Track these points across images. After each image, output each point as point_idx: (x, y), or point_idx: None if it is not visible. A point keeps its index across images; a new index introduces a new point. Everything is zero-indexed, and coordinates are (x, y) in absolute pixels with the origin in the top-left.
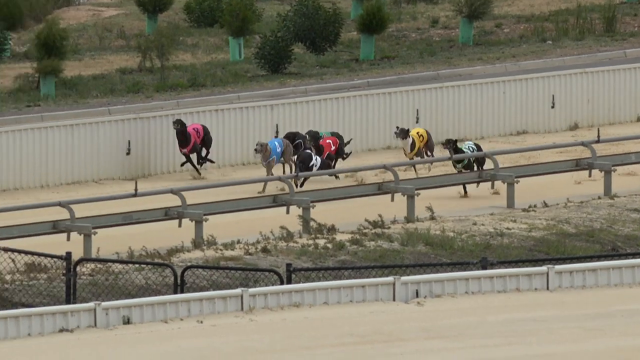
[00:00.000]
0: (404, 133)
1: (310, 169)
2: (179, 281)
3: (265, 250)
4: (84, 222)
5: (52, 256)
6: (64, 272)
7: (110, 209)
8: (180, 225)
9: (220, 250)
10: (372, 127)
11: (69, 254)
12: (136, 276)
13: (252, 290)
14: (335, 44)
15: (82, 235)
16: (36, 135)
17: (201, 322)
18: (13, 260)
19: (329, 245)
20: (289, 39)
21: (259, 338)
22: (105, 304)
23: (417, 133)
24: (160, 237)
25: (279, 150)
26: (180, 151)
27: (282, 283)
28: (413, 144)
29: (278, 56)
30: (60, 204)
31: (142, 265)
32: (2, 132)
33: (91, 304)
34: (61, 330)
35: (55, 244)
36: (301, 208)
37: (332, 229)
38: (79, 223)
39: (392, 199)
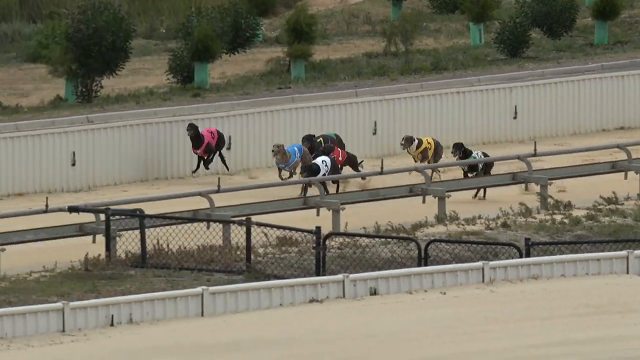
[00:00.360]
0: (409, 141)
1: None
2: (423, 254)
3: (505, 225)
4: (332, 198)
5: (302, 230)
6: (314, 245)
7: (357, 186)
8: (424, 202)
9: (462, 225)
10: (605, 108)
11: (318, 228)
12: (382, 249)
13: (492, 263)
14: (571, 29)
15: (331, 210)
16: (287, 116)
17: (444, 293)
18: (266, 235)
19: (566, 221)
20: (526, 24)
21: (499, 309)
22: (353, 276)
23: (426, 141)
24: (405, 213)
25: (298, 155)
26: (194, 152)
27: (521, 256)
28: (420, 144)
29: (516, 41)
30: (309, 183)
31: (388, 239)
32: (255, 112)
33: (340, 276)
34: (311, 301)
35: (305, 219)
36: (539, 185)
37: (568, 205)
38: (328, 199)
39: (626, 177)
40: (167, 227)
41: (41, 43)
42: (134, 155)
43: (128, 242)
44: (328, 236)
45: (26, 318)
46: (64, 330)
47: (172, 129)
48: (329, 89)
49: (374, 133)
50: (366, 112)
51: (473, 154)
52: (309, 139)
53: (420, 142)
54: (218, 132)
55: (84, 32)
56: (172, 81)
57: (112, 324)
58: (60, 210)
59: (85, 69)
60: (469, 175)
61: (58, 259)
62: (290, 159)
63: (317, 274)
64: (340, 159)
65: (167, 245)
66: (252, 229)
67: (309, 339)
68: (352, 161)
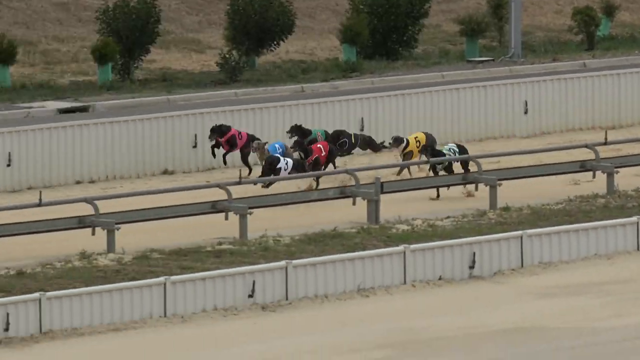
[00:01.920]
0: (398, 142)
1: (277, 171)
2: None
3: None
4: (240, 202)
5: None
6: None
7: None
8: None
9: None
10: None
11: None
12: None
13: None
14: None
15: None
16: None
17: None
18: None
19: None
20: None
21: None
22: None
23: (415, 138)
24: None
25: (279, 152)
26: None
27: None
28: (406, 146)
29: None
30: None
31: None
32: None
33: None
34: None
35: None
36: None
37: None
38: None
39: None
40: None
41: None
42: None
43: None
44: None
45: None
46: None
47: None
48: None
49: None
50: None
51: (445, 150)
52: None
53: (407, 142)
54: (248, 135)
55: None
56: None
57: None
58: None
59: None
60: (440, 174)
61: None
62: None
63: None
64: (323, 154)
65: None
66: None
67: None
68: (333, 156)
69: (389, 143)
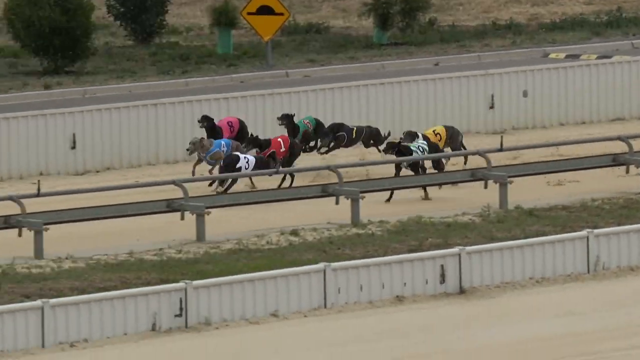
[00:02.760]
0: (409, 137)
1: (237, 171)
2: None
3: None
4: (197, 201)
5: None
6: None
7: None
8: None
9: None
10: None
11: None
12: None
13: None
14: None
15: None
16: None
17: None
18: None
19: None
20: None
21: None
22: None
23: (434, 131)
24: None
25: (224, 149)
26: None
27: None
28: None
29: None
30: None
31: None
32: None
33: None
34: None
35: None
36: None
37: None
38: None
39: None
40: None
41: None
42: None
43: None
44: None
45: None
46: None
47: None
48: None
49: None
50: None
51: (415, 147)
52: (286, 118)
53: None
54: (240, 122)
55: None
56: None
57: None
58: None
59: None
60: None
61: None
62: (211, 149)
63: None
64: (282, 150)
65: None
66: None
67: None
68: (294, 152)
69: (400, 138)
